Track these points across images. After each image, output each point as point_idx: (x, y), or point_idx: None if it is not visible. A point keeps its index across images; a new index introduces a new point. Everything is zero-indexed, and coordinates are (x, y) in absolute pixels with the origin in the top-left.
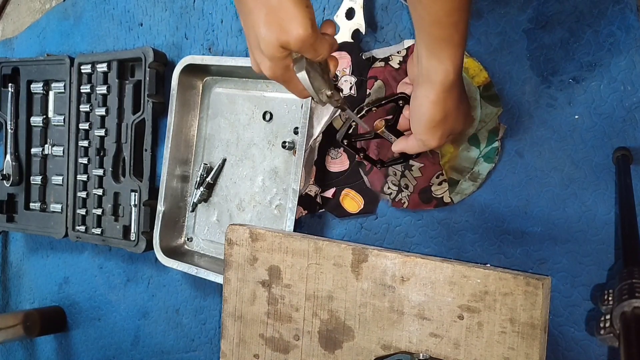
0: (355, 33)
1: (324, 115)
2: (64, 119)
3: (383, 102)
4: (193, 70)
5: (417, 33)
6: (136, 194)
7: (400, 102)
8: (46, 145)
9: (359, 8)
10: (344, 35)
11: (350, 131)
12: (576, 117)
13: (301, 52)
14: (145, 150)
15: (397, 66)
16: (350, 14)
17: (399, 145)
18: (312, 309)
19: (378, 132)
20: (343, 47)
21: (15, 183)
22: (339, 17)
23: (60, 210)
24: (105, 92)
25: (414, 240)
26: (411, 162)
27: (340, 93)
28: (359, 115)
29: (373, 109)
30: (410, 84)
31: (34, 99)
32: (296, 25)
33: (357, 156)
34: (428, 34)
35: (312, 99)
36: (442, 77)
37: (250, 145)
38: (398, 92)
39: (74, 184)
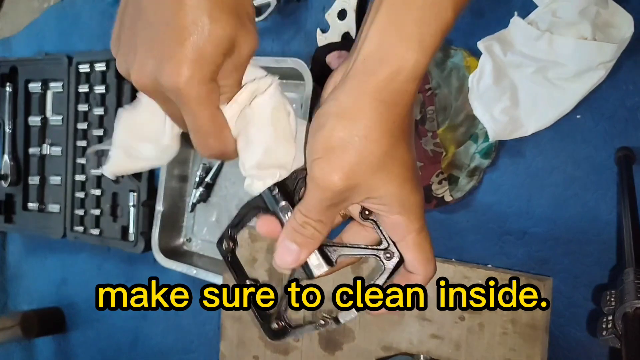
0: (345, 35)
1: None
2: (62, 119)
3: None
4: None
5: None
6: (135, 194)
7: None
8: (44, 145)
9: (351, 10)
10: (333, 35)
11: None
12: (578, 116)
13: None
14: None
15: None
16: (342, 14)
17: (286, 226)
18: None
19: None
20: (344, 46)
21: (13, 183)
22: (331, 16)
23: (58, 211)
24: (103, 91)
25: None
26: None
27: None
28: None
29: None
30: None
31: (32, 99)
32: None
33: None
34: None
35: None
36: (392, 67)
37: None
38: None
39: (72, 184)
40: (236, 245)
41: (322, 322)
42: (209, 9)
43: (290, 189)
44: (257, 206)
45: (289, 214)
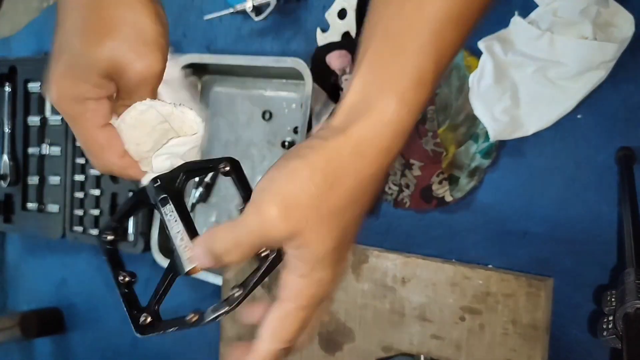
0: (345, 35)
1: (324, 114)
2: (62, 119)
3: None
4: (191, 69)
5: (372, 32)
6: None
7: (223, 165)
8: (43, 145)
9: (351, 10)
10: (333, 35)
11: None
12: (579, 116)
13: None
14: None
15: None
16: (342, 14)
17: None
18: None
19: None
20: (344, 46)
21: (12, 183)
22: (331, 15)
23: (57, 211)
24: None
25: (415, 241)
26: (411, 160)
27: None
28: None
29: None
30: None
31: (31, 99)
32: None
33: None
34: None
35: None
36: (374, 120)
37: (250, 145)
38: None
39: (71, 184)
40: (118, 237)
41: (191, 317)
42: (83, 32)
43: (174, 187)
44: (141, 200)
45: (168, 207)
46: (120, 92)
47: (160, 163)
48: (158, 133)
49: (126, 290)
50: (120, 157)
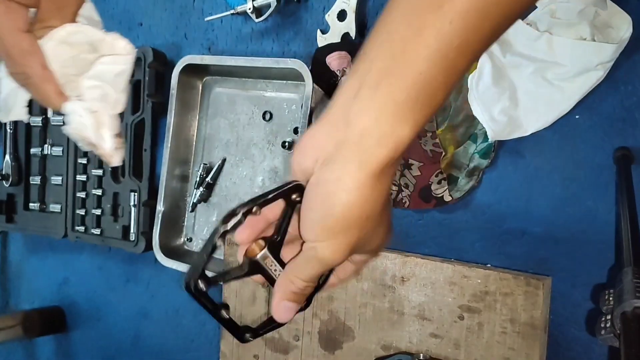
0: (345, 36)
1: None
2: (63, 120)
3: (269, 196)
4: (193, 70)
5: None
6: (135, 194)
7: (295, 196)
8: (45, 145)
9: (351, 11)
10: (333, 36)
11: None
12: (577, 117)
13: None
14: (145, 150)
15: None
16: (342, 15)
17: (282, 287)
18: (312, 309)
19: (255, 259)
20: (343, 47)
21: (15, 183)
22: (331, 17)
23: (59, 211)
24: None
25: (415, 241)
26: (410, 160)
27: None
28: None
29: (255, 209)
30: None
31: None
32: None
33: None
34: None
35: None
36: (390, 147)
37: (250, 145)
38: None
39: (73, 184)
40: (210, 284)
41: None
42: None
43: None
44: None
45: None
46: (42, 12)
47: (89, 90)
48: (84, 60)
49: (227, 318)
50: (42, 68)
